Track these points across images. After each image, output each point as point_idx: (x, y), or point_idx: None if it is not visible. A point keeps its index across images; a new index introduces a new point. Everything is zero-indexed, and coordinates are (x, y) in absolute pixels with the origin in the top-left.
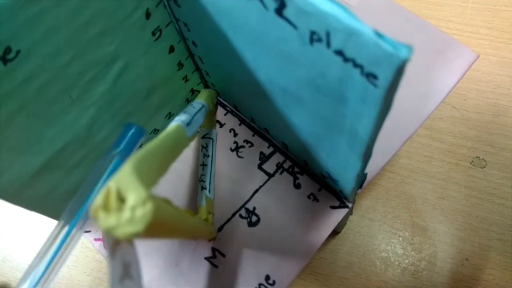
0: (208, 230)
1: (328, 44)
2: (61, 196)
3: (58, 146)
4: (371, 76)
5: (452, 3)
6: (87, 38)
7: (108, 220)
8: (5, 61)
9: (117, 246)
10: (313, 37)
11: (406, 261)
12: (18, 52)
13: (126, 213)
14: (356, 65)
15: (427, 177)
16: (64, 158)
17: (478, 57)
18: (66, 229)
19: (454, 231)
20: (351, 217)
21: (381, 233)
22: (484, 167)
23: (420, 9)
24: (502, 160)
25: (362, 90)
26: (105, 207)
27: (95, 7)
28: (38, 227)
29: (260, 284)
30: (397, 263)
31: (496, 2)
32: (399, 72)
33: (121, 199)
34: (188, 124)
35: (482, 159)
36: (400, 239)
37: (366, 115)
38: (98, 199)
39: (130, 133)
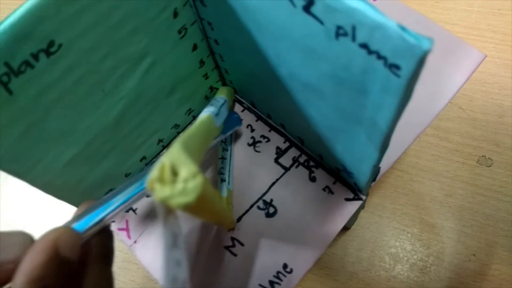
0: (230, 217)
1: (354, 38)
2: (87, 187)
3: (89, 137)
4: (394, 67)
5: (458, 7)
6: (121, 35)
7: (163, 191)
8: (48, 54)
9: (168, 218)
10: (339, 32)
11: (415, 256)
12: (60, 45)
13: (179, 185)
14: (380, 57)
15: (435, 175)
16: (93, 150)
17: (485, 57)
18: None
19: (461, 228)
20: (361, 213)
21: (390, 230)
22: (490, 166)
23: (427, 12)
24: (508, 159)
25: (384, 81)
26: (161, 180)
27: (129, 6)
28: (54, 222)
29: (278, 272)
30: (405, 258)
31: (501, 6)
32: (421, 62)
33: (174, 173)
34: (217, 114)
35: (488, 158)
36: (409, 235)
37: (387, 105)
38: (154, 173)
39: (232, 118)
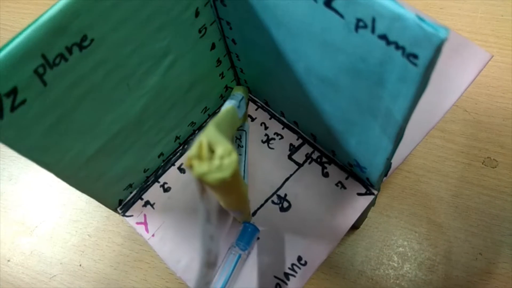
0: (248, 208)
1: (373, 30)
2: (109, 180)
3: (113, 131)
4: (411, 56)
5: (462, 13)
6: (147, 32)
7: (201, 167)
8: (81, 48)
9: (203, 195)
10: (359, 24)
11: (423, 255)
12: (92, 40)
13: (216, 162)
14: (398, 47)
15: (442, 176)
16: (116, 144)
17: (492, 57)
18: None
19: (467, 227)
20: (369, 214)
21: (398, 229)
22: (495, 167)
23: (431, 18)
24: None
25: (401, 70)
26: (199, 157)
27: (156, 4)
28: (66, 222)
29: (292, 264)
30: (413, 257)
31: (504, 12)
32: (438, 50)
33: (211, 151)
34: (238, 107)
35: (493, 159)
36: (417, 234)
37: (403, 94)
38: (192, 150)
39: (248, 231)
